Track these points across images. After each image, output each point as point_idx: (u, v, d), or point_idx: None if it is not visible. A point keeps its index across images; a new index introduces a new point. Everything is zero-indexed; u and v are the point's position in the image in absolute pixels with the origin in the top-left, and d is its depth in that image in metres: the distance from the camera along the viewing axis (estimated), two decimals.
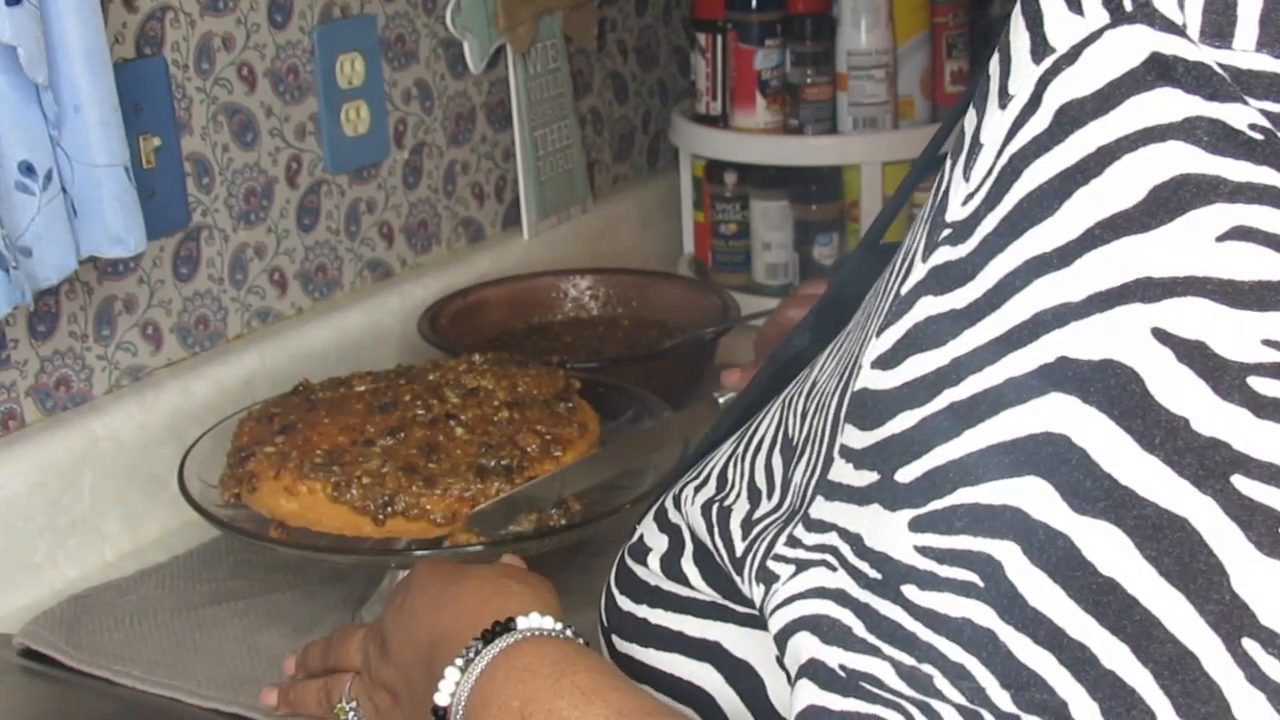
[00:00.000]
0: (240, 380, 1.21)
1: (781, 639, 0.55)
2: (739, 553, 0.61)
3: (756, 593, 0.58)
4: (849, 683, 0.52)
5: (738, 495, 0.64)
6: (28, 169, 0.97)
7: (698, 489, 0.67)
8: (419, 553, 0.95)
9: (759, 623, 0.59)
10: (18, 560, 1.06)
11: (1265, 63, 0.48)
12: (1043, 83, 0.51)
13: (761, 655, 0.63)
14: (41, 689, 0.98)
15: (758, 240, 1.60)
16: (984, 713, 0.50)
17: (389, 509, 0.94)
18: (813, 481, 0.57)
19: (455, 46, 1.43)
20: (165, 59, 1.16)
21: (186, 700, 0.94)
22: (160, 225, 1.16)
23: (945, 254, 0.52)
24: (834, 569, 0.54)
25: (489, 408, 1.02)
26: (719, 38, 1.58)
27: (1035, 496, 0.49)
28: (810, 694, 0.52)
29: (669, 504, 0.69)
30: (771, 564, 0.57)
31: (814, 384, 0.62)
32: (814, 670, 0.53)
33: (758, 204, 1.59)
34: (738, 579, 0.61)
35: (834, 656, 0.52)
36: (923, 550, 0.51)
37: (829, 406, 0.58)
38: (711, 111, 1.61)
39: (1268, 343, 0.47)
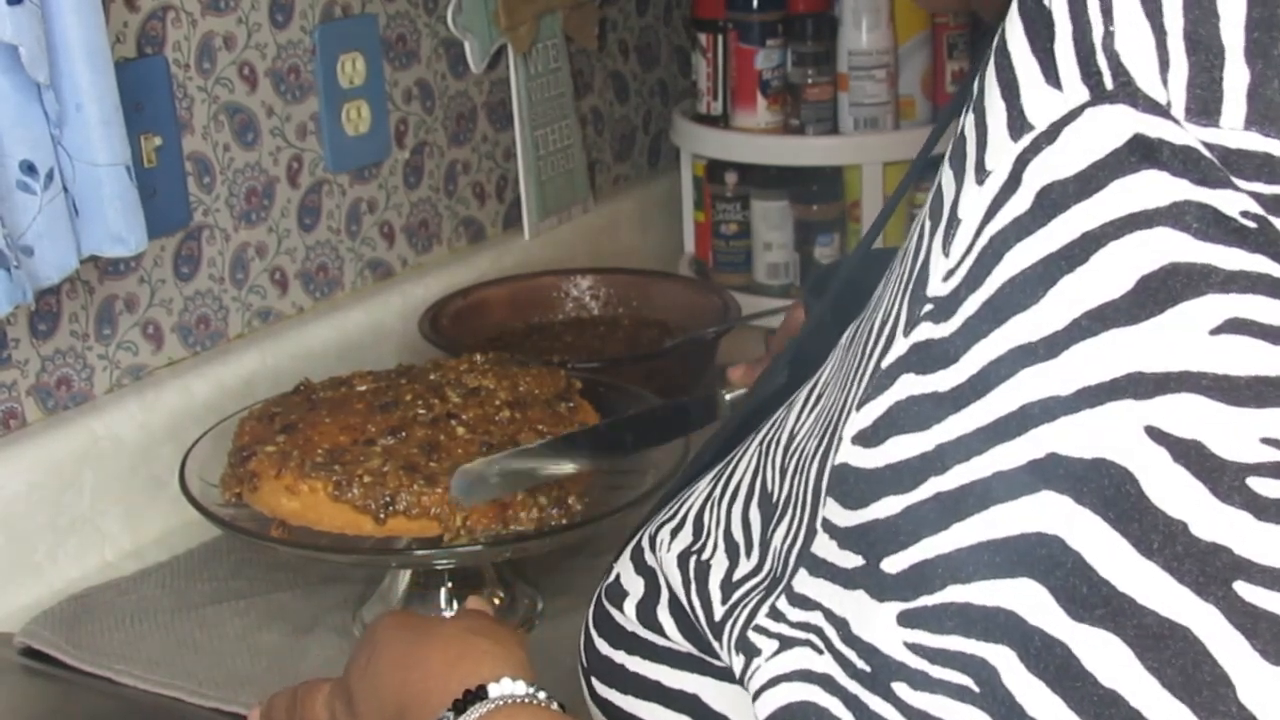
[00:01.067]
0: (241, 380, 1.21)
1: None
2: (718, 617, 0.59)
3: (736, 663, 0.56)
4: None
5: (715, 548, 0.62)
6: (29, 168, 0.97)
7: (674, 533, 0.65)
8: (419, 552, 0.95)
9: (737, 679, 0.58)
10: (18, 560, 1.06)
11: (1254, 141, 0.46)
12: (1021, 161, 0.49)
13: (741, 710, 0.60)
14: (42, 688, 0.98)
15: (758, 240, 1.60)
16: None
17: (390, 508, 0.94)
18: (795, 550, 0.55)
19: (456, 46, 1.43)
20: (166, 58, 1.16)
21: (187, 700, 0.94)
22: (161, 224, 1.16)
23: (927, 331, 0.51)
24: (820, 651, 0.53)
25: (490, 407, 1.02)
26: (720, 37, 1.58)
27: (1030, 600, 0.48)
28: None
29: (645, 544, 0.67)
30: (753, 636, 0.56)
31: (792, 436, 0.60)
32: None
33: (758, 204, 1.59)
34: (716, 644, 0.59)
35: None
36: (913, 647, 0.50)
37: (809, 470, 0.56)
38: (712, 111, 1.61)
39: (1267, 441, 0.45)
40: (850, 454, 0.52)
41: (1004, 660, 0.48)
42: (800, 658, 0.53)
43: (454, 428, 1.00)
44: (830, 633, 0.53)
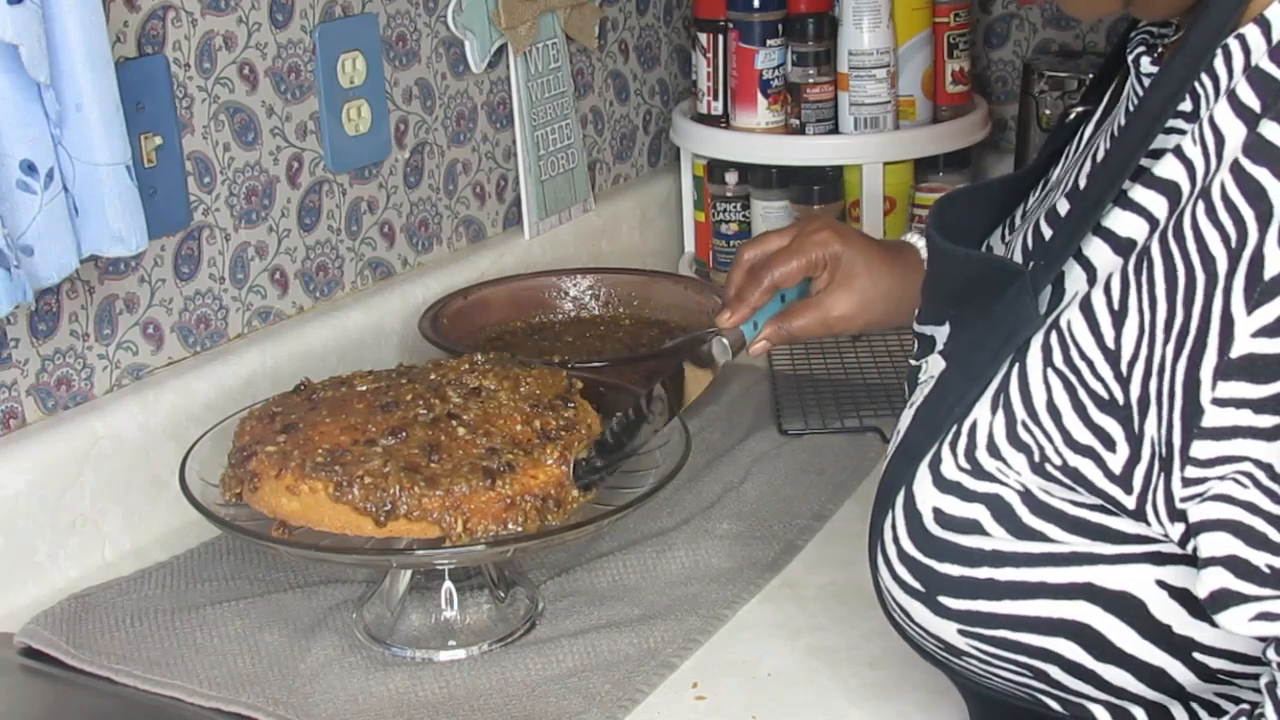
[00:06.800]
0: (241, 380, 1.21)
1: (1198, 530, 0.66)
2: (1131, 506, 0.69)
3: (1174, 529, 0.68)
4: (1271, 578, 0.64)
5: (1059, 454, 0.71)
6: (29, 168, 0.97)
7: (994, 454, 0.73)
8: (420, 551, 0.95)
9: (1131, 559, 0.70)
10: (19, 559, 1.06)
11: None
12: None
13: (1139, 581, 0.71)
14: (42, 688, 0.98)
15: None
16: None
17: (390, 509, 0.94)
18: (1178, 430, 0.66)
19: (456, 46, 1.43)
20: (167, 58, 1.16)
21: (187, 700, 0.94)
22: (161, 224, 1.16)
23: None
24: (1245, 487, 0.64)
25: (491, 407, 1.02)
26: (720, 37, 1.58)
27: None
28: (1223, 579, 0.65)
29: (956, 475, 0.75)
30: (1179, 504, 0.67)
31: (1115, 356, 0.69)
32: (1233, 564, 0.65)
33: (759, 204, 1.59)
34: (1141, 524, 0.70)
35: (1260, 558, 0.64)
36: None
37: (1171, 371, 0.67)
38: (713, 111, 1.61)
39: None
40: (1253, 345, 0.64)
41: None
42: (1225, 495, 0.65)
43: (454, 428, 0.99)
44: (1259, 475, 0.64)
